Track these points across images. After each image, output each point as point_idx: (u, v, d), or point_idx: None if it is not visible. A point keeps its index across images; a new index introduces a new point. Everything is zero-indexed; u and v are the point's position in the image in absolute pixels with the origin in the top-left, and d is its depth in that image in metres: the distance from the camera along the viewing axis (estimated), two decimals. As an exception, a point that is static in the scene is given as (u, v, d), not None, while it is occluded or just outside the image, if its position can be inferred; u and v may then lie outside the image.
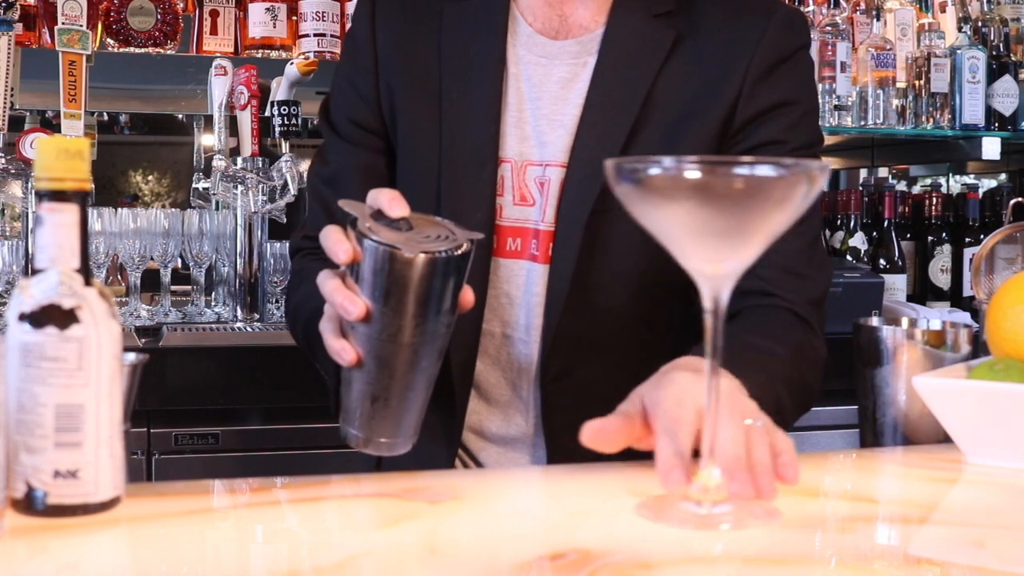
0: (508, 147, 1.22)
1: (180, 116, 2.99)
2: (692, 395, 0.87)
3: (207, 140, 2.64)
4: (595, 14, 1.23)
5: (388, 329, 0.94)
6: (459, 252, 0.94)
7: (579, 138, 1.19)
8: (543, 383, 1.21)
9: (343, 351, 0.97)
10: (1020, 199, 1.19)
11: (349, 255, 0.94)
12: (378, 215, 0.96)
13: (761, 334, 1.11)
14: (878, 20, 2.68)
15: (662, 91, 1.18)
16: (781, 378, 1.07)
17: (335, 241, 0.95)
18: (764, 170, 0.73)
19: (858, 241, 2.67)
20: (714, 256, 0.78)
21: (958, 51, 2.68)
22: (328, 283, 0.97)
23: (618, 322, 1.21)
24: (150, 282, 2.39)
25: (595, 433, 0.87)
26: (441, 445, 1.24)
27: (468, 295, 0.98)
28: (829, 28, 2.55)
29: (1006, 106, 2.71)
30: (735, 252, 0.78)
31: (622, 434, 0.88)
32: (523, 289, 1.22)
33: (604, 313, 1.20)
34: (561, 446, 1.22)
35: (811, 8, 2.63)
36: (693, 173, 0.73)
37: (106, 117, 3.24)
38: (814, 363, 1.15)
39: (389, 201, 0.97)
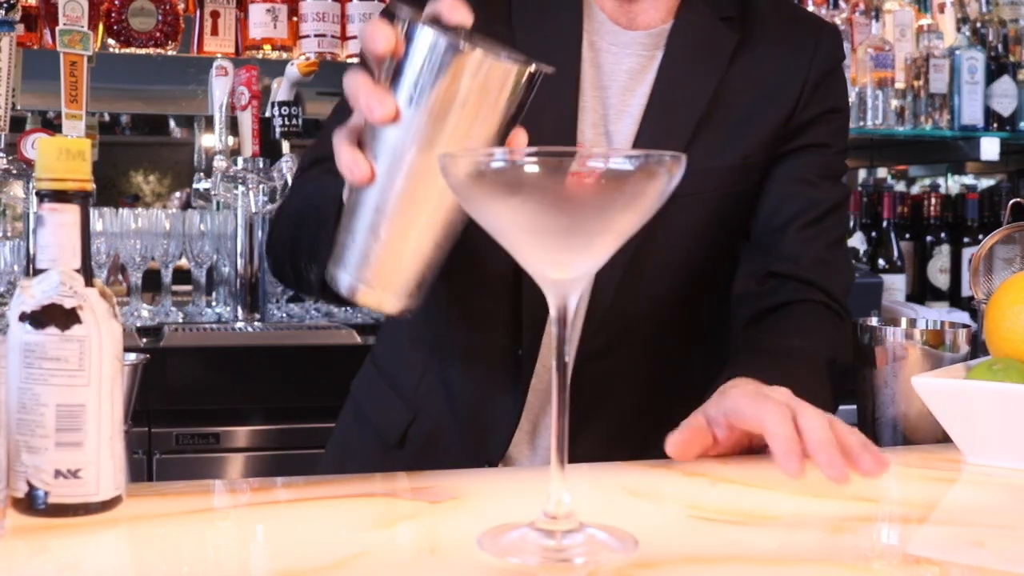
0: (581, 131, 1.22)
1: (177, 124, 2.99)
2: (765, 393, 0.94)
3: (208, 141, 2.65)
4: (664, 15, 1.24)
5: (417, 140, 0.80)
6: (524, 68, 0.79)
7: (644, 130, 1.21)
8: (577, 363, 1.23)
9: (356, 162, 0.83)
10: (1018, 199, 1.19)
11: (390, 43, 0.80)
12: (434, 22, 0.81)
13: (806, 336, 1.17)
14: (877, 21, 2.68)
15: (726, 91, 1.22)
16: (825, 378, 1.13)
17: (375, 27, 0.81)
18: (615, 162, 0.66)
19: (857, 241, 2.68)
20: (561, 259, 0.70)
21: (957, 52, 2.69)
22: (355, 78, 0.82)
23: (661, 307, 1.25)
24: (151, 282, 2.40)
25: (679, 444, 0.94)
26: (508, 406, 1.24)
27: (521, 135, 0.85)
28: (829, 29, 2.55)
29: (1005, 106, 2.72)
30: (583, 255, 0.70)
31: (696, 442, 0.95)
32: None
33: (649, 298, 1.24)
34: (581, 427, 1.23)
35: (809, 8, 2.63)
36: (531, 167, 0.65)
37: (107, 118, 3.24)
38: (844, 352, 1.21)
39: (450, 7, 0.83)
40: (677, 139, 1.19)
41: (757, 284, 1.24)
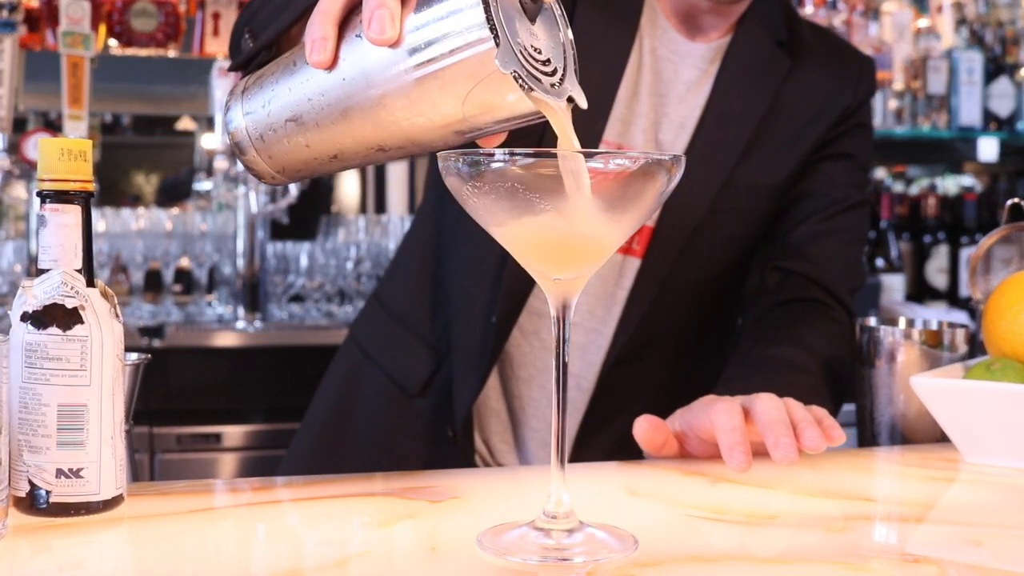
0: (632, 136, 1.22)
1: (179, 122, 3.00)
2: (721, 399, 0.94)
3: (209, 141, 2.65)
4: (723, 30, 1.26)
5: (394, 89, 0.71)
6: (543, 102, 0.71)
7: (696, 143, 1.22)
8: (603, 367, 1.24)
9: (324, 47, 0.72)
10: (1016, 200, 1.19)
11: None
12: None
13: (798, 342, 1.17)
14: (875, 22, 2.68)
15: (776, 112, 1.24)
16: (819, 383, 1.14)
17: None
18: (617, 163, 0.65)
19: (857, 241, 2.68)
20: (562, 260, 0.69)
21: (955, 53, 2.69)
22: None
23: (691, 316, 1.27)
24: (152, 282, 2.40)
25: (646, 430, 0.94)
26: (470, 375, 1.23)
27: (496, 140, 0.77)
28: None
29: (1003, 107, 2.72)
30: (583, 256, 0.69)
31: (659, 432, 0.95)
32: (611, 281, 1.24)
33: (684, 308, 1.26)
34: (599, 429, 1.23)
35: (809, 10, 2.63)
36: (534, 168, 0.64)
37: (109, 118, 3.24)
38: (844, 352, 1.23)
39: None
40: (728, 155, 1.21)
41: (763, 279, 1.25)
